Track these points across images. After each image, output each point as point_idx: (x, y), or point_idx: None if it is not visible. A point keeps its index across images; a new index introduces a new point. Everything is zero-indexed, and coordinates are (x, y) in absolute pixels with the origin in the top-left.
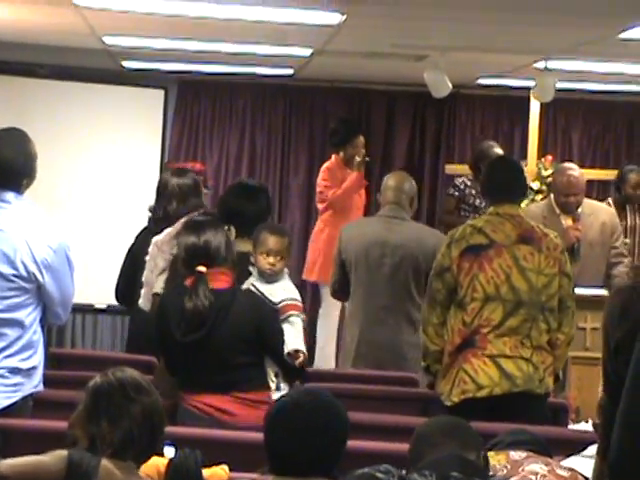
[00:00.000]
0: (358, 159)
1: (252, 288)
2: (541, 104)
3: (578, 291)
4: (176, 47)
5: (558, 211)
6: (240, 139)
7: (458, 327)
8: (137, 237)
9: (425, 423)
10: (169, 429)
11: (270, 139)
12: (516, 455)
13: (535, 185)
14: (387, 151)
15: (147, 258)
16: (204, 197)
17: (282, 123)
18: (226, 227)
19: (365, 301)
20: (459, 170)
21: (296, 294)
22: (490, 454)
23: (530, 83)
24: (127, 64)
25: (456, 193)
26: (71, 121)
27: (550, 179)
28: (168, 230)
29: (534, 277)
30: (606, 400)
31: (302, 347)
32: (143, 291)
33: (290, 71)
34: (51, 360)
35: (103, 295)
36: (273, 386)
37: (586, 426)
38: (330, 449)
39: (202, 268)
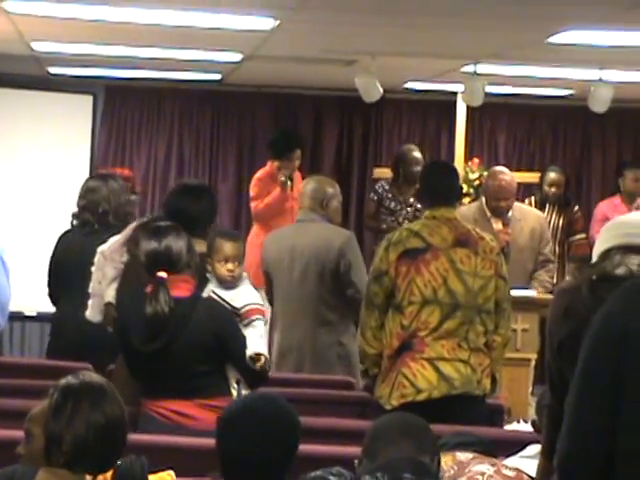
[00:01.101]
0: (281, 178)
1: (213, 295)
2: (467, 108)
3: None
4: (104, 53)
5: (489, 214)
6: (168, 145)
7: (396, 330)
8: (59, 241)
9: (384, 418)
10: (131, 437)
11: (198, 144)
12: (462, 456)
13: (463, 188)
14: (315, 156)
15: (93, 269)
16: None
17: (210, 128)
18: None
19: (281, 307)
20: (387, 174)
21: (258, 298)
22: None
23: (456, 87)
24: (53, 70)
25: (375, 197)
26: None
27: (477, 182)
28: (115, 238)
29: (470, 280)
30: (551, 400)
31: (264, 350)
32: (90, 302)
33: (218, 76)
34: None
35: (32, 302)
36: (235, 393)
37: (518, 426)
38: (283, 453)
39: (163, 274)
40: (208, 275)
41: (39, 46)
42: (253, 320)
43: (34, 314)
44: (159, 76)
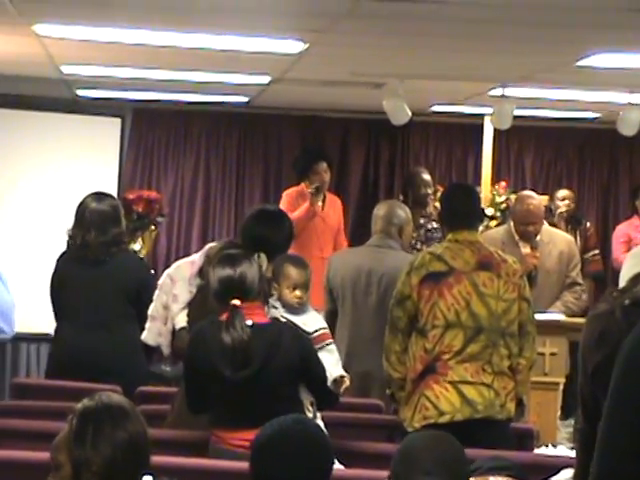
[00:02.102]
0: (309, 191)
1: (284, 321)
2: (494, 130)
3: (536, 316)
4: (134, 76)
5: (517, 238)
6: (195, 167)
7: (420, 354)
8: (57, 262)
9: (417, 442)
10: (204, 462)
11: (225, 167)
12: None
13: (489, 211)
14: (341, 179)
15: (157, 292)
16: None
17: (237, 151)
18: (255, 255)
19: (351, 331)
20: None
21: (324, 322)
22: None
23: (484, 110)
24: (82, 92)
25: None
26: (25, 151)
27: (504, 205)
28: (184, 261)
29: (494, 303)
30: (584, 424)
31: (344, 372)
32: (149, 325)
33: (245, 99)
34: (13, 390)
35: (48, 323)
36: (310, 415)
37: (547, 450)
38: (317, 477)
39: (237, 302)
40: (271, 300)
41: (68, 69)
42: (327, 344)
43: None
44: (186, 99)
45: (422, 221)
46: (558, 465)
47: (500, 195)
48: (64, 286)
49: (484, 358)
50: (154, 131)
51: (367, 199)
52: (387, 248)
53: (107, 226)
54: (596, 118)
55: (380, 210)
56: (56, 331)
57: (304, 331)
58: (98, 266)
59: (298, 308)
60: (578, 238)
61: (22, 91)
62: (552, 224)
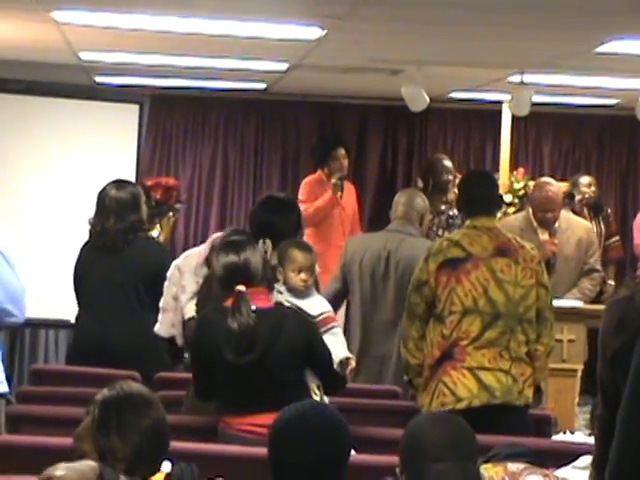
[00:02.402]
0: (333, 181)
1: (289, 305)
2: (512, 117)
3: (555, 303)
4: (150, 62)
5: (535, 225)
6: (213, 154)
7: (437, 340)
8: (81, 250)
9: (424, 427)
10: (216, 447)
11: (243, 153)
12: (514, 467)
13: (507, 198)
14: (359, 165)
15: (166, 283)
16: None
17: (254, 137)
18: (261, 241)
19: (368, 315)
20: None
21: (329, 306)
22: (488, 466)
23: (501, 96)
24: (100, 79)
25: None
26: (44, 136)
27: (522, 192)
28: (191, 251)
29: (511, 289)
30: (603, 411)
31: (350, 354)
32: (161, 317)
33: (263, 85)
34: (32, 376)
35: (67, 309)
36: (317, 399)
37: (565, 437)
38: (334, 463)
39: (242, 287)
40: (277, 285)
41: (87, 55)
42: (331, 327)
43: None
44: (204, 85)
45: (443, 207)
46: (576, 452)
47: (518, 182)
48: (85, 274)
49: (502, 344)
50: (172, 118)
51: (385, 186)
52: (407, 234)
53: (125, 213)
54: (615, 104)
55: (401, 197)
56: (77, 318)
57: (309, 315)
58: (116, 254)
59: (303, 292)
60: (600, 225)
61: (40, 77)
62: (574, 211)
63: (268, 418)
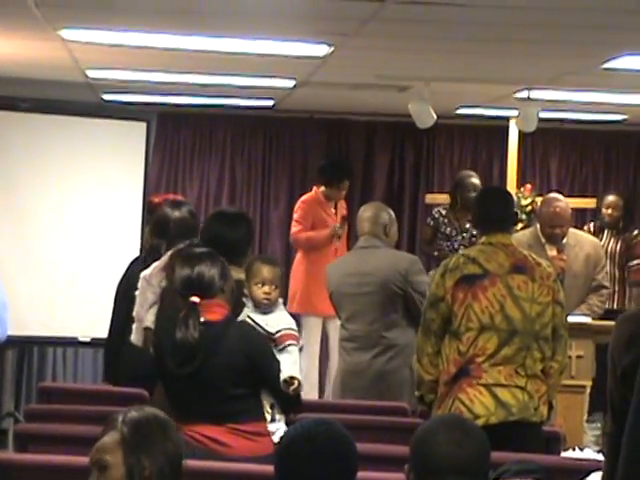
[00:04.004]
0: (338, 230)
1: (248, 320)
2: (519, 133)
3: None
4: (158, 79)
5: (543, 241)
6: (220, 171)
7: (453, 356)
8: (128, 271)
9: (436, 445)
10: None
11: (250, 170)
12: None
13: (519, 213)
14: (367, 182)
15: (137, 293)
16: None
17: (262, 154)
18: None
19: (349, 332)
20: (439, 199)
21: (292, 323)
22: None
23: (509, 113)
24: (107, 97)
25: (432, 222)
26: (52, 154)
27: (530, 208)
28: (156, 263)
29: (528, 306)
30: (612, 427)
31: (297, 374)
32: (134, 326)
33: (270, 102)
34: (39, 394)
35: (86, 328)
36: (269, 417)
37: (574, 453)
38: (342, 478)
39: (195, 299)
40: (245, 300)
41: (94, 73)
42: (287, 345)
43: (87, 340)
44: (211, 102)
45: (467, 225)
46: (585, 468)
47: (525, 198)
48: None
49: (518, 361)
50: (179, 135)
51: (392, 202)
52: (373, 248)
53: (189, 235)
54: (623, 120)
55: (364, 212)
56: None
57: (267, 331)
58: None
59: (266, 307)
60: (621, 244)
61: (47, 95)
62: (600, 228)
63: (212, 430)
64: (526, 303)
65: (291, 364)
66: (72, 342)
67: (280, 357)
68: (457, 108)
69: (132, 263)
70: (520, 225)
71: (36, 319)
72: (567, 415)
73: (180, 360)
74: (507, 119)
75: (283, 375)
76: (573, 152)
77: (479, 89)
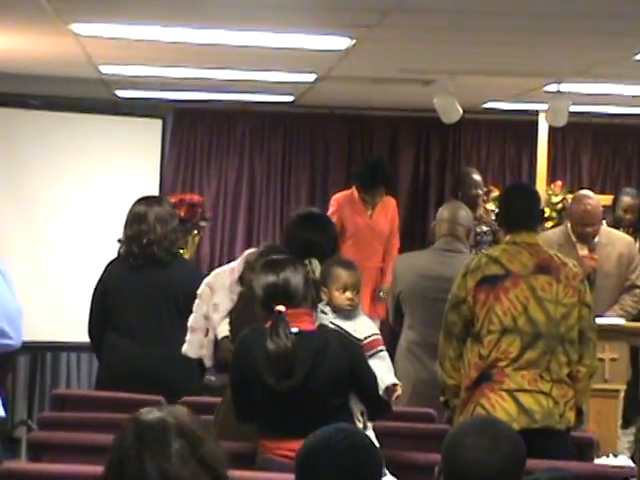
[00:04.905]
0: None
1: (333, 327)
2: (549, 128)
3: (595, 321)
4: (174, 75)
5: (574, 239)
6: (239, 169)
7: (475, 361)
8: (105, 270)
9: (461, 454)
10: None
11: (270, 168)
12: None
13: (545, 212)
14: None
15: (197, 301)
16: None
17: (282, 151)
18: (307, 261)
19: (421, 338)
20: None
21: (376, 328)
22: None
23: (538, 106)
24: (121, 93)
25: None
26: (64, 154)
27: (560, 205)
28: (222, 268)
29: (552, 308)
30: None
31: (397, 380)
32: (189, 337)
33: (291, 98)
34: (53, 401)
35: None
36: (360, 426)
37: (608, 460)
38: None
39: (281, 308)
40: (321, 305)
41: (107, 69)
42: (379, 351)
43: None
44: (229, 98)
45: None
46: (619, 476)
47: (556, 195)
48: (118, 293)
49: (542, 365)
50: (196, 132)
51: (417, 200)
52: (456, 252)
53: (164, 228)
54: None
55: (444, 212)
56: (106, 340)
57: (354, 337)
58: (153, 272)
59: (349, 312)
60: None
61: (59, 92)
62: (613, 226)
63: None
64: (550, 304)
65: (387, 370)
66: (86, 347)
67: (371, 362)
68: (484, 102)
69: (108, 265)
70: (550, 223)
71: (49, 324)
72: (600, 421)
73: (279, 374)
74: (536, 113)
75: (383, 382)
76: (605, 147)
77: (507, 82)
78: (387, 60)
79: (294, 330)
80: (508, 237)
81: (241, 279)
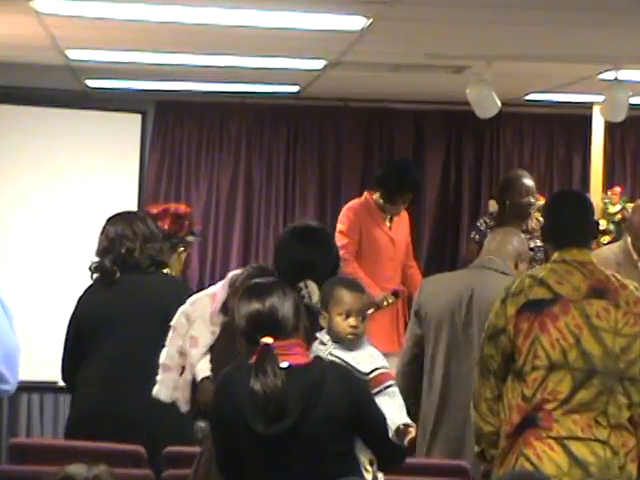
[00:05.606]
0: (386, 301)
1: (333, 358)
2: (606, 124)
3: None
4: (155, 61)
5: (635, 257)
6: (234, 173)
7: (516, 402)
8: (81, 299)
9: None
10: None
11: (270, 172)
12: None
13: (601, 224)
14: None
15: (171, 334)
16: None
17: (285, 152)
18: (302, 283)
19: (445, 369)
20: None
21: (385, 360)
22: None
23: (591, 98)
24: (92, 83)
25: (477, 237)
26: (24, 154)
27: (619, 216)
28: (200, 295)
29: (610, 339)
30: None
31: (409, 420)
32: (161, 377)
33: (295, 88)
34: (12, 452)
35: None
36: (369, 478)
37: None
38: None
39: (268, 339)
40: (319, 334)
41: (76, 54)
42: (387, 386)
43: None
44: (222, 89)
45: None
46: None
47: (614, 204)
48: (95, 319)
49: (598, 408)
50: (182, 129)
51: (447, 210)
52: (491, 270)
53: (144, 242)
54: None
55: (496, 235)
56: (80, 375)
57: (358, 371)
58: (130, 293)
59: (352, 342)
60: None
61: (21, 82)
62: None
63: None
64: (608, 335)
65: (398, 409)
66: (49, 387)
67: (379, 401)
68: (527, 93)
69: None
70: (607, 238)
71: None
72: None
73: (267, 417)
74: (590, 106)
75: (392, 423)
76: None
77: (554, 69)
78: (410, 43)
79: (283, 365)
80: (555, 254)
81: (224, 307)
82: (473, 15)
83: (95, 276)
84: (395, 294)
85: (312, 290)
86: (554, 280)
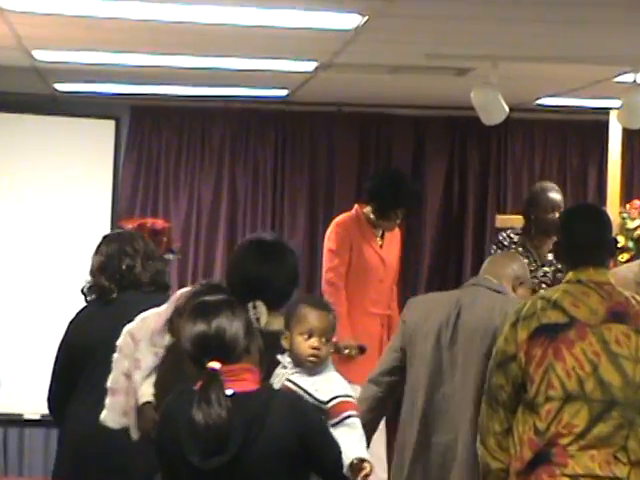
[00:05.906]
0: (346, 352)
1: (289, 384)
2: (623, 131)
3: None
4: (129, 63)
5: None
6: (216, 183)
7: (528, 436)
8: (72, 323)
9: None
10: None
11: (257, 183)
12: None
13: (618, 241)
14: None
15: (116, 356)
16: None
17: (273, 161)
18: (251, 304)
19: (428, 391)
20: (515, 222)
21: (349, 388)
22: None
23: (608, 103)
24: (62, 87)
25: (498, 252)
26: None
27: (638, 232)
28: (149, 313)
29: (631, 367)
30: None
31: (367, 455)
32: (109, 401)
33: (283, 92)
34: None
35: (34, 402)
36: None
37: None
38: None
39: (215, 364)
40: (281, 357)
41: (43, 55)
42: (346, 417)
43: (37, 417)
44: (204, 93)
45: (550, 256)
46: None
47: (632, 219)
48: (79, 351)
49: (617, 443)
50: (160, 136)
51: (449, 224)
52: (483, 287)
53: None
54: None
55: (498, 257)
56: (69, 406)
57: (316, 399)
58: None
59: (313, 365)
60: None
61: None
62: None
63: None
64: (628, 363)
65: (356, 442)
66: (14, 420)
67: (337, 432)
68: (537, 98)
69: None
70: (626, 256)
71: None
72: None
73: (206, 449)
74: (606, 112)
75: (346, 457)
76: None
77: (567, 71)
78: (409, 43)
79: (228, 392)
80: (570, 274)
81: (170, 327)
82: (478, 12)
83: (90, 298)
84: (361, 350)
85: (260, 311)
86: (569, 302)
